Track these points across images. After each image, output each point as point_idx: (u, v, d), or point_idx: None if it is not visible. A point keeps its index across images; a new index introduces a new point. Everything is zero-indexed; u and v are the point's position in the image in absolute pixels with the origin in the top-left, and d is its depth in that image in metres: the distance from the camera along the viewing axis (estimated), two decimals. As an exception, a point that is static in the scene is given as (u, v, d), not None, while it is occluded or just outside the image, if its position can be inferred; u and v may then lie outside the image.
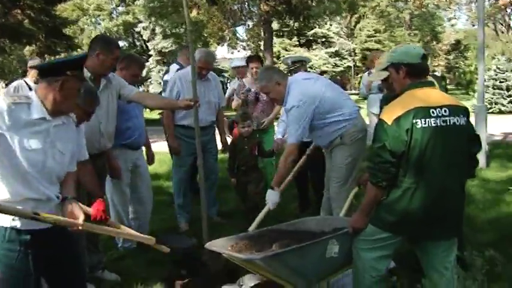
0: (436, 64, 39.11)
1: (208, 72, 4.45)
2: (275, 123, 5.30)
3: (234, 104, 5.49)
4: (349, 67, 37.04)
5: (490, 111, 13.51)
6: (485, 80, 7.96)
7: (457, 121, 2.28)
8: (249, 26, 22.71)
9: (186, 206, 4.59)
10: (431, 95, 2.33)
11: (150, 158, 4.46)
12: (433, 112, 2.24)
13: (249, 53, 26.61)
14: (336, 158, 3.57)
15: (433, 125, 2.23)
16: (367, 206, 2.45)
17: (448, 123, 2.25)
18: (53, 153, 2.07)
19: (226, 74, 26.13)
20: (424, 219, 2.29)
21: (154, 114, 14.18)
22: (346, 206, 3.28)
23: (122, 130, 3.64)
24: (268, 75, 3.58)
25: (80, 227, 2.03)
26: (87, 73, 3.25)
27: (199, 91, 4.11)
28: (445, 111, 2.26)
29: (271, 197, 3.36)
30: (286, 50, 30.92)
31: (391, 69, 2.45)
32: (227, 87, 6.38)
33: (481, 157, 6.34)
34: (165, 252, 2.54)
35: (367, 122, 7.02)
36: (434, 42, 37.69)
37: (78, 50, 14.54)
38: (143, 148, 4.31)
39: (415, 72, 2.38)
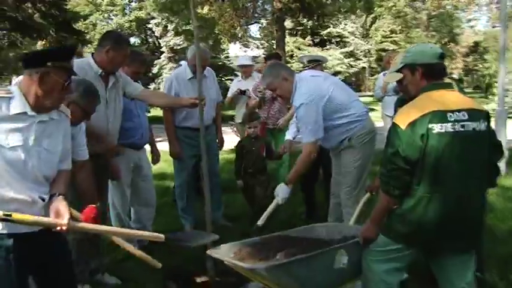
0: (454, 67, 38.60)
1: (204, 69, 4.37)
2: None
3: (251, 103, 5.44)
4: (364, 68, 36.76)
5: (510, 115, 13.21)
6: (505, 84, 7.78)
7: (477, 126, 2.16)
8: (262, 24, 22.66)
9: (189, 209, 4.53)
10: (449, 98, 2.21)
11: (156, 157, 4.40)
12: (450, 116, 2.13)
13: (262, 51, 26.55)
14: (345, 161, 3.48)
15: (451, 130, 2.11)
16: (378, 215, 2.35)
17: (467, 129, 2.14)
18: (37, 151, 1.96)
19: (238, 73, 26.08)
20: (439, 231, 2.18)
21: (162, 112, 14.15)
22: (357, 213, 3.18)
23: (123, 130, 3.57)
24: (275, 71, 3.48)
25: (64, 227, 1.91)
26: (98, 69, 3.19)
27: (197, 89, 4.08)
28: (463, 115, 2.14)
29: (282, 192, 3.30)
30: (300, 49, 30.77)
31: (406, 71, 2.34)
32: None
33: (501, 164, 6.16)
34: (157, 267, 2.45)
35: (382, 124, 6.88)
36: (452, 44, 37.20)
37: (89, 45, 14.55)
38: (148, 147, 4.25)
39: (432, 73, 2.27)
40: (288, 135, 4.51)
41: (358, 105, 3.51)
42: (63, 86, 1.97)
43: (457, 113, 2.14)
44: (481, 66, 34.84)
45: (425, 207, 2.15)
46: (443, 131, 2.11)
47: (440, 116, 2.12)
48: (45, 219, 1.93)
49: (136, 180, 3.95)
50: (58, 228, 1.91)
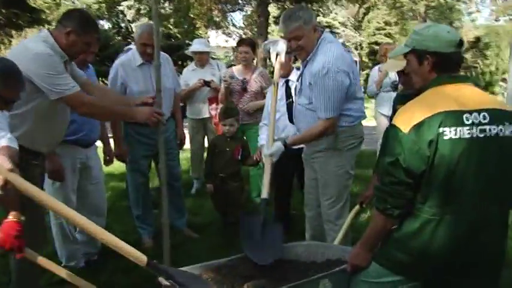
0: (450, 63, 38.95)
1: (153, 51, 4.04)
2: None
3: (219, 96, 5.12)
4: (354, 62, 36.81)
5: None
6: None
7: (501, 131, 1.88)
8: (247, 12, 22.50)
9: (147, 218, 4.24)
10: (466, 95, 1.92)
11: (109, 156, 4.12)
12: (467, 118, 1.84)
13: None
14: (326, 166, 3.20)
15: (467, 135, 1.83)
16: (372, 239, 2.06)
17: (488, 134, 1.86)
18: None
19: (217, 62, 25.86)
20: (448, 263, 1.91)
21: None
22: (343, 231, 2.92)
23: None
24: (307, 15, 3.05)
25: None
26: (64, 55, 2.83)
27: (149, 78, 3.77)
28: (484, 117, 1.86)
29: (278, 152, 3.08)
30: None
31: (412, 57, 2.04)
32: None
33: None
34: None
35: (375, 124, 6.60)
36: (450, 39, 37.54)
37: (46, 25, 13.96)
38: (100, 144, 3.95)
39: (445, 65, 1.97)
40: (262, 141, 4.19)
41: (361, 104, 3.26)
42: None
43: (476, 114, 1.85)
44: (481, 63, 35.30)
45: (433, 232, 1.87)
46: (457, 137, 1.82)
47: (455, 117, 1.83)
48: None
49: (84, 183, 3.66)
50: None
